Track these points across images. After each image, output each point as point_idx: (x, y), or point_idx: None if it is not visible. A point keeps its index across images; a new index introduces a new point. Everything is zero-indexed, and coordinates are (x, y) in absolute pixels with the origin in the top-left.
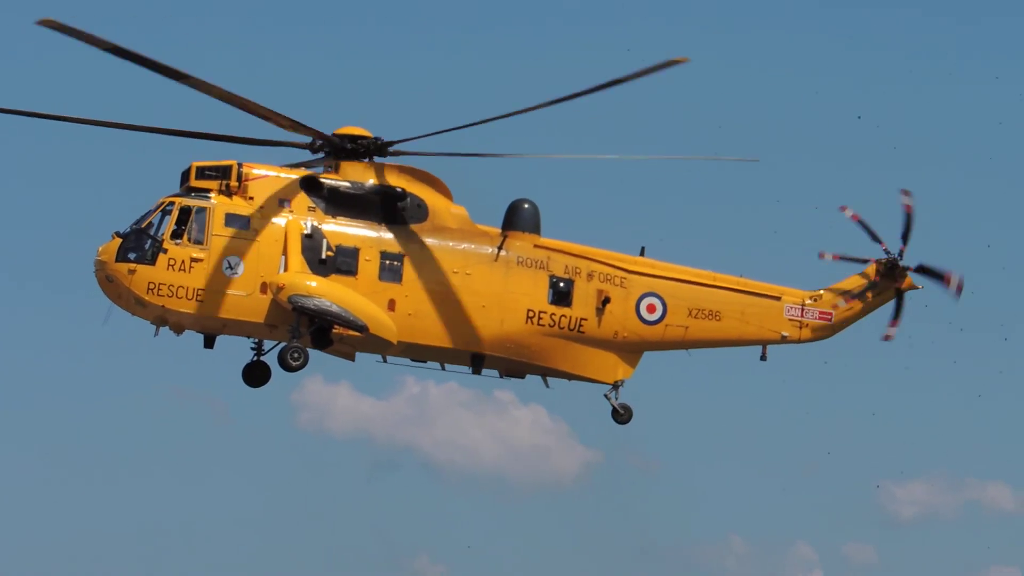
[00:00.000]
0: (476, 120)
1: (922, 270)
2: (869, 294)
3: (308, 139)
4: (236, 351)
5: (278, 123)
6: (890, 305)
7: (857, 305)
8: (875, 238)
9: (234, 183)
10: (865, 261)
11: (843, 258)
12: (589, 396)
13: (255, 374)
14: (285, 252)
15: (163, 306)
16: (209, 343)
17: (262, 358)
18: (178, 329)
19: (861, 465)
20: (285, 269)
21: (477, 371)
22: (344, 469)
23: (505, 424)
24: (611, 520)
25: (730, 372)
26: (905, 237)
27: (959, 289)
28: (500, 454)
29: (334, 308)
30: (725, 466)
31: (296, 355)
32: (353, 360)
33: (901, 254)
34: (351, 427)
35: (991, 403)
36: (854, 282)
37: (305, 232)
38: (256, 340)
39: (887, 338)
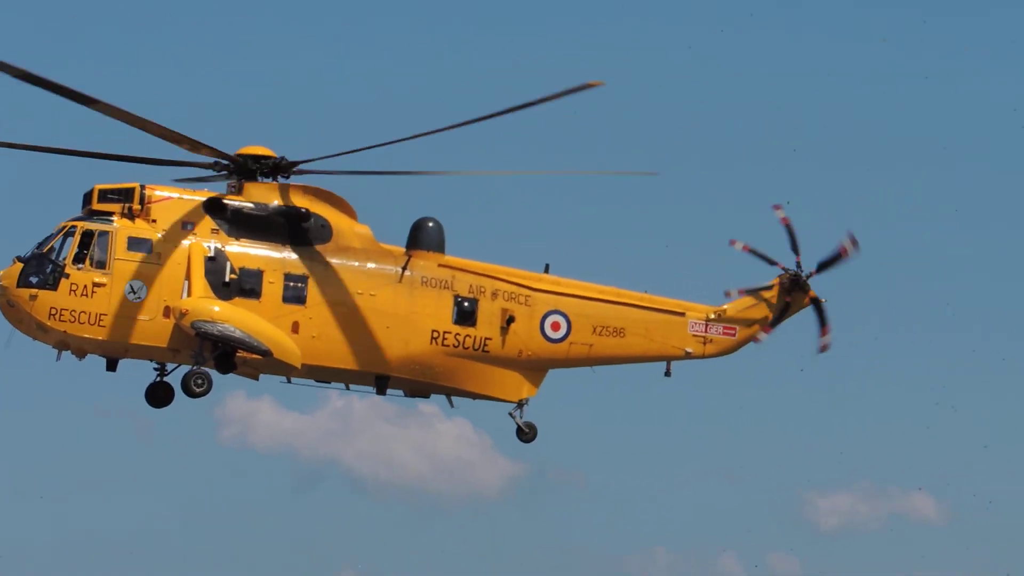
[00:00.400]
0: (381, 142)
1: (822, 267)
2: (774, 315)
3: (211, 159)
4: (140, 372)
5: (181, 144)
6: (811, 317)
7: (766, 328)
8: (771, 261)
9: (137, 206)
10: (774, 263)
11: (748, 292)
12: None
13: (158, 395)
14: (188, 276)
15: (65, 331)
16: (111, 366)
17: (165, 379)
18: (80, 354)
19: (783, 475)
20: (188, 293)
21: (382, 392)
22: (268, 483)
23: (430, 437)
24: (537, 532)
25: (641, 385)
26: (795, 249)
27: (854, 243)
28: (424, 467)
29: (237, 333)
30: (647, 479)
31: (199, 381)
32: (257, 380)
33: (799, 266)
34: (274, 441)
35: (913, 412)
36: (756, 300)
37: (208, 255)
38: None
39: (824, 348)
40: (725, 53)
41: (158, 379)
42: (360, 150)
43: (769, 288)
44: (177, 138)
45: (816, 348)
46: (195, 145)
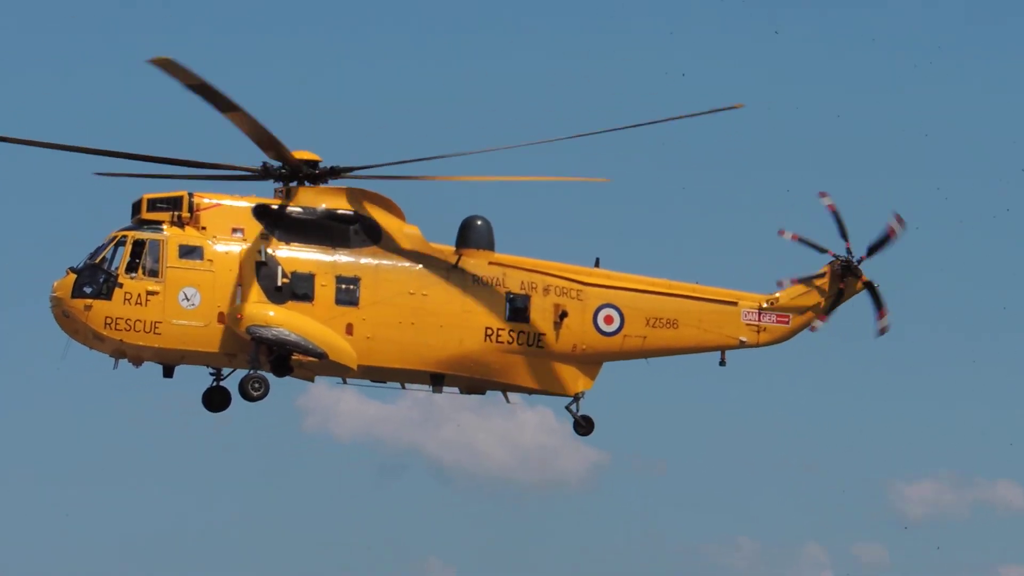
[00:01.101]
0: (433, 155)
1: (872, 250)
2: (827, 303)
3: (259, 165)
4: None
5: (266, 147)
6: (866, 302)
7: (821, 316)
8: (821, 249)
9: (186, 214)
10: (824, 250)
11: (800, 280)
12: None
13: (215, 400)
14: (240, 281)
15: (121, 340)
16: (168, 372)
17: (222, 383)
18: (137, 361)
19: (867, 464)
20: (241, 298)
21: (438, 390)
22: (351, 473)
23: (512, 426)
24: (619, 521)
25: (711, 373)
26: (843, 235)
27: (901, 223)
28: (507, 456)
29: (292, 337)
30: (729, 468)
31: (257, 385)
32: (312, 382)
33: (849, 251)
34: (357, 431)
35: (998, 400)
36: (809, 288)
37: (260, 260)
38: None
39: (883, 331)
40: (767, 35)
41: (215, 384)
42: (412, 161)
43: (821, 276)
44: (269, 140)
45: (876, 331)
46: (277, 148)
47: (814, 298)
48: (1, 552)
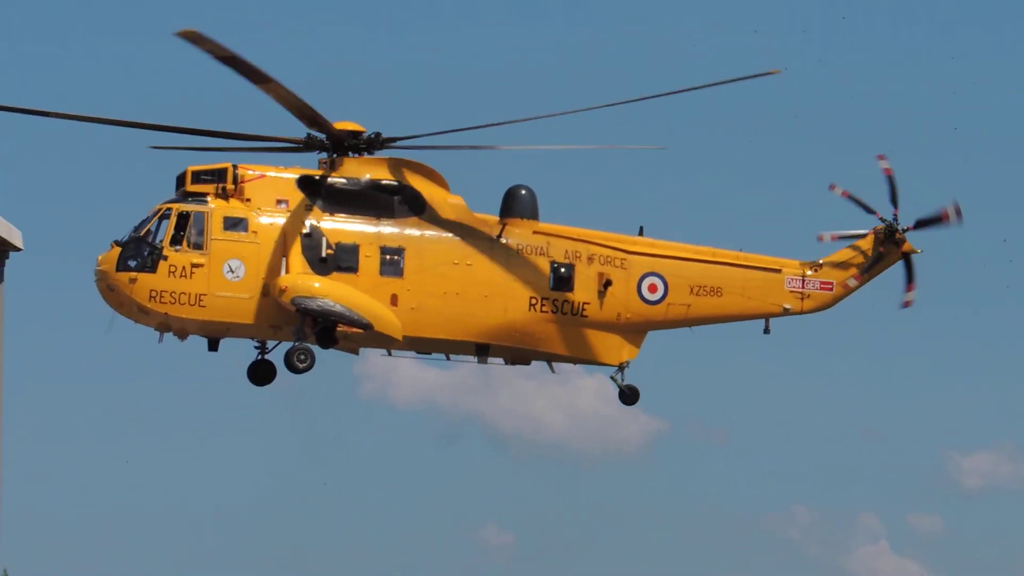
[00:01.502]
0: (478, 124)
1: (920, 224)
2: (874, 266)
3: (303, 136)
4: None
5: (305, 118)
6: (900, 272)
7: (862, 278)
8: (868, 209)
9: (230, 185)
10: (863, 235)
11: (842, 237)
12: (649, 367)
13: (260, 373)
14: (285, 253)
15: (166, 313)
16: (213, 346)
17: (266, 356)
18: (182, 335)
19: (923, 435)
20: (286, 270)
21: (483, 360)
22: (410, 440)
23: (570, 393)
24: (676, 489)
25: (769, 342)
26: (894, 201)
27: (958, 214)
28: (565, 423)
29: (338, 308)
30: (785, 436)
31: (303, 357)
32: (357, 354)
33: (896, 218)
34: (415, 398)
35: None
36: (851, 253)
37: (304, 231)
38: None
39: (907, 304)
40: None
41: (259, 357)
42: (456, 131)
43: (863, 236)
44: (306, 110)
45: (901, 303)
46: (315, 118)
47: (855, 259)
48: (58, 529)
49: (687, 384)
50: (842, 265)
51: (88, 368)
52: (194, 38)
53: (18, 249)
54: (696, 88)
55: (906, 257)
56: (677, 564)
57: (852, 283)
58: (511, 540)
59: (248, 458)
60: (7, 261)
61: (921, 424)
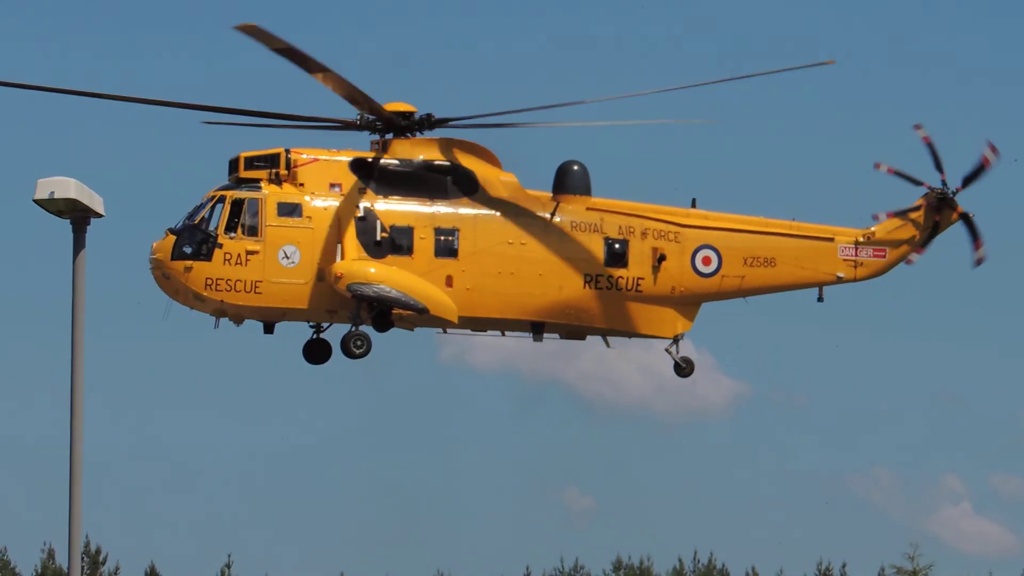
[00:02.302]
0: (530, 106)
1: (967, 181)
2: (923, 233)
3: (355, 117)
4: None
5: (358, 103)
6: (962, 234)
7: (918, 248)
8: (916, 182)
9: (283, 171)
10: (919, 183)
11: (896, 214)
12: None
13: (316, 352)
14: (340, 237)
15: (222, 300)
16: (269, 329)
17: (322, 335)
18: (238, 320)
19: (1006, 397)
20: (341, 255)
21: (538, 338)
22: (490, 403)
23: (651, 357)
24: (756, 451)
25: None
26: (939, 167)
27: (995, 152)
28: (647, 387)
29: (393, 293)
30: (866, 399)
31: (359, 343)
32: (412, 331)
33: (944, 184)
34: (496, 362)
35: None
36: (903, 221)
37: (358, 215)
38: None
39: (979, 262)
40: None
41: (315, 336)
42: (508, 112)
43: (916, 208)
44: (358, 96)
45: (972, 262)
46: (368, 103)
47: (909, 231)
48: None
49: (770, 348)
50: (895, 232)
51: (168, 333)
52: (253, 31)
53: (99, 215)
54: (753, 75)
55: (964, 217)
56: (755, 526)
57: (914, 258)
58: (591, 503)
59: (330, 423)
60: (88, 228)
61: (1003, 386)
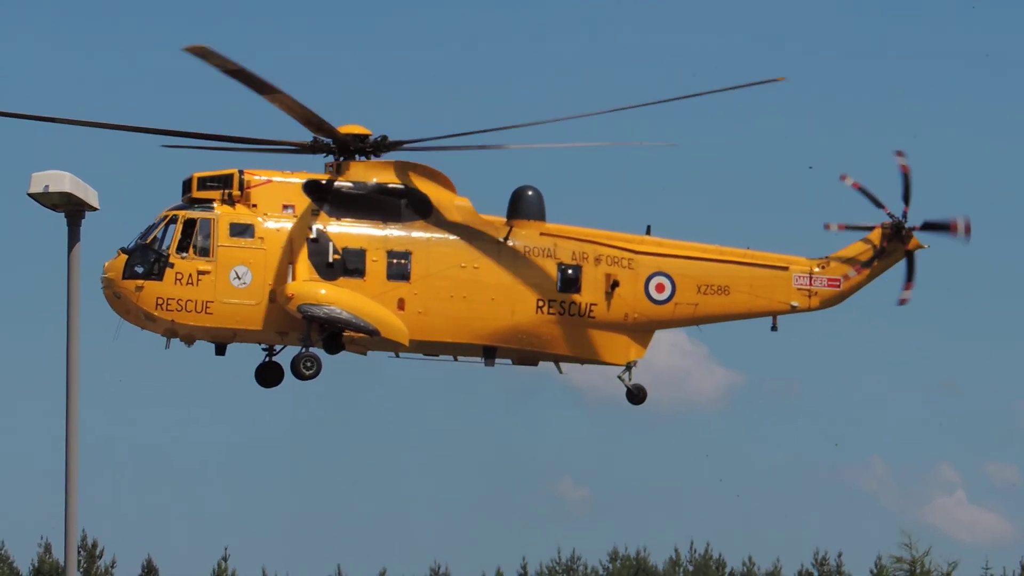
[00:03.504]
0: (484, 128)
1: (927, 227)
2: (876, 260)
3: (309, 139)
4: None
5: (310, 124)
6: (901, 268)
7: (864, 271)
8: (877, 203)
9: (236, 191)
10: (870, 228)
11: (849, 227)
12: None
13: (268, 375)
14: (292, 258)
15: (173, 320)
16: (220, 350)
17: (274, 359)
18: (189, 340)
19: (997, 386)
20: (293, 276)
21: (490, 363)
22: (481, 394)
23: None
24: (755, 441)
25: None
26: (906, 198)
27: (967, 231)
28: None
29: (344, 315)
30: (862, 390)
31: (309, 364)
32: (365, 355)
33: (905, 216)
34: None
35: None
36: (860, 248)
37: (311, 236)
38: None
39: (903, 302)
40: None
41: (267, 359)
42: (467, 134)
43: (870, 229)
44: (312, 118)
45: (897, 300)
46: (317, 122)
47: (862, 254)
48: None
49: (764, 341)
50: (849, 261)
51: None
52: (202, 53)
53: (94, 209)
54: (703, 93)
55: (909, 255)
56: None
57: (852, 275)
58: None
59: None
60: (83, 221)
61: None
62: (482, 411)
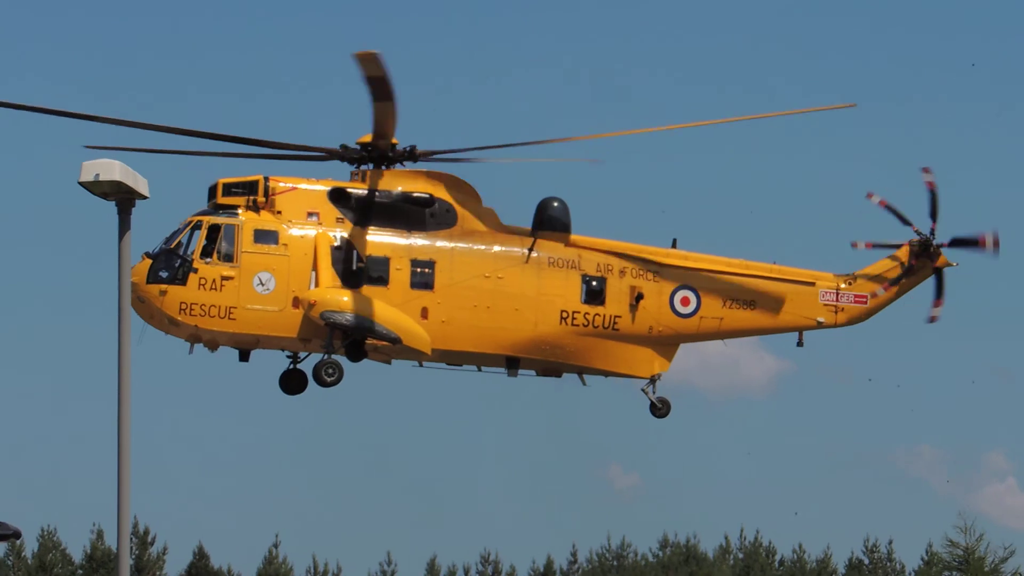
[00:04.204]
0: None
1: (955, 243)
2: (904, 278)
3: (336, 147)
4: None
5: (382, 133)
6: (930, 285)
7: (892, 288)
8: (905, 221)
9: (261, 198)
10: (898, 245)
11: (876, 245)
12: None
13: (292, 382)
14: (315, 266)
15: (196, 325)
16: (244, 357)
17: (298, 366)
18: (212, 346)
19: None
20: (316, 283)
21: (513, 373)
22: (528, 383)
23: None
24: (804, 428)
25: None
26: (933, 215)
27: (996, 245)
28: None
29: (367, 323)
30: (915, 378)
31: (331, 371)
32: (389, 364)
33: (932, 233)
34: None
35: None
36: (887, 265)
37: (335, 244)
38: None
39: (933, 319)
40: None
41: (291, 367)
42: (494, 147)
43: (898, 246)
44: (391, 132)
45: (927, 317)
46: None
47: (890, 271)
48: None
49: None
50: (876, 278)
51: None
52: (369, 60)
53: (144, 197)
54: (774, 115)
55: (938, 272)
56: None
57: (880, 293)
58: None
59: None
60: (133, 209)
61: None
62: (531, 397)
